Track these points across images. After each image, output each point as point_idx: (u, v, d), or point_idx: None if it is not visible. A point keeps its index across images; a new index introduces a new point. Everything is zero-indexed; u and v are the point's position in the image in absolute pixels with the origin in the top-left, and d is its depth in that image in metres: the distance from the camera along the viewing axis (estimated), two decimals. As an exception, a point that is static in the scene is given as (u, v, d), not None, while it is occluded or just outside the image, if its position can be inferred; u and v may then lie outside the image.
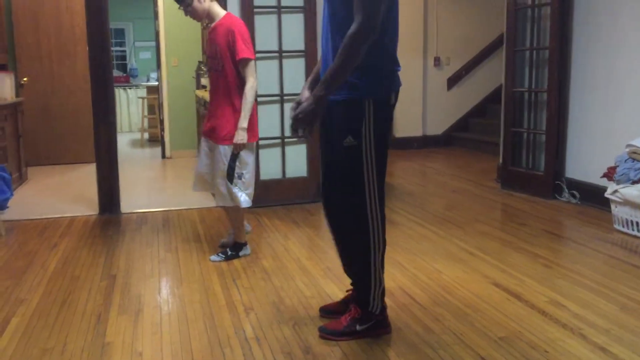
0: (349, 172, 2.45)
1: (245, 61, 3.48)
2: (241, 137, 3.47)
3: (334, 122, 2.47)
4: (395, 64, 2.47)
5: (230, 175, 3.55)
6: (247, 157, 3.60)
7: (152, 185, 6.27)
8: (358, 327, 2.54)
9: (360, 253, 2.49)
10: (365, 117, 2.38)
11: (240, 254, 3.67)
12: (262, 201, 4.91)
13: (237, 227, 3.71)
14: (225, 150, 3.53)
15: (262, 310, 2.85)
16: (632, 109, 4.42)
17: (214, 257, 3.63)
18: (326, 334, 2.55)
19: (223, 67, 3.52)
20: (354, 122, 2.40)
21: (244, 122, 3.47)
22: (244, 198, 3.59)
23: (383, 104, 2.43)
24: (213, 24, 3.58)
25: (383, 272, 2.54)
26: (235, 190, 3.56)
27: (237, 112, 3.51)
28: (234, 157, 3.53)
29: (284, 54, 4.88)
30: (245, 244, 3.71)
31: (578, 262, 3.50)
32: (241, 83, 3.51)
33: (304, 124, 2.32)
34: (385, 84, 2.43)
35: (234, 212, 3.66)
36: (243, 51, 3.45)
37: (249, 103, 3.48)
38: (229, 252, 3.66)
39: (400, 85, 2.53)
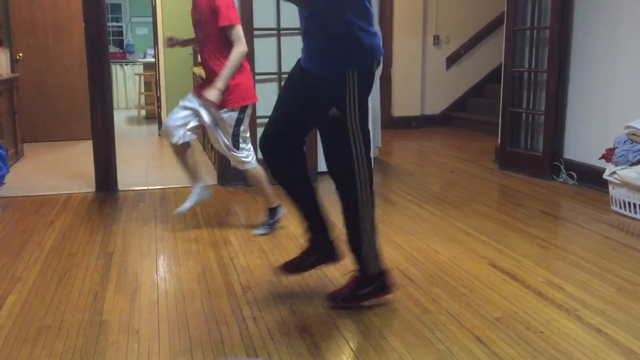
0: (336, 143, 2.50)
1: (230, 27, 3.42)
2: (214, 96, 3.34)
3: (317, 95, 2.50)
4: (369, 33, 2.43)
5: (235, 142, 3.58)
6: (247, 119, 3.62)
7: (149, 162, 6.25)
8: (359, 292, 2.61)
9: (352, 217, 2.56)
10: (348, 89, 2.41)
11: (277, 218, 3.73)
12: (260, 180, 4.89)
13: (263, 191, 3.74)
14: (230, 118, 3.54)
15: (260, 290, 2.86)
16: (631, 90, 4.40)
17: (256, 231, 3.68)
18: (335, 302, 2.62)
19: (208, 34, 3.48)
20: (338, 94, 2.43)
21: (220, 84, 3.36)
22: (251, 158, 3.65)
23: (366, 74, 2.46)
24: None
25: (375, 235, 2.60)
26: (242, 154, 3.61)
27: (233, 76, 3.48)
28: (239, 121, 3.55)
29: (282, 32, 4.83)
30: (278, 206, 3.73)
31: (575, 243, 3.51)
32: (229, 48, 3.44)
33: None
34: (365, 53, 2.44)
35: (251, 177, 3.71)
36: (225, 18, 3.39)
37: (229, 68, 3.39)
38: (269, 221, 3.71)
39: (381, 53, 2.54)
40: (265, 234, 3.66)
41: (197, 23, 3.56)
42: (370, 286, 2.62)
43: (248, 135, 3.69)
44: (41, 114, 7.20)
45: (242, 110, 3.57)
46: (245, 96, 3.56)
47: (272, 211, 3.73)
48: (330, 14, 2.37)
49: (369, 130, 2.55)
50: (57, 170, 5.67)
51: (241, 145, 3.61)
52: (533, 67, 5.22)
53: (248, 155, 3.66)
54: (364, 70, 2.44)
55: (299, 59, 2.61)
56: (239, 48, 3.41)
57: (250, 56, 4.78)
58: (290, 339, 2.37)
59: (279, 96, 2.75)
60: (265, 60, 4.83)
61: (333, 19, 2.37)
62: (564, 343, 2.31)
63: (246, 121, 3.62)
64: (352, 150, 2.48)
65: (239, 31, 3.43)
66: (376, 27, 2.48)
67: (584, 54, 4.79)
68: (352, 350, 2.30)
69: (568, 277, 2.98)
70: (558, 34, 4.88)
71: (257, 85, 4.80)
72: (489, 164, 5.71)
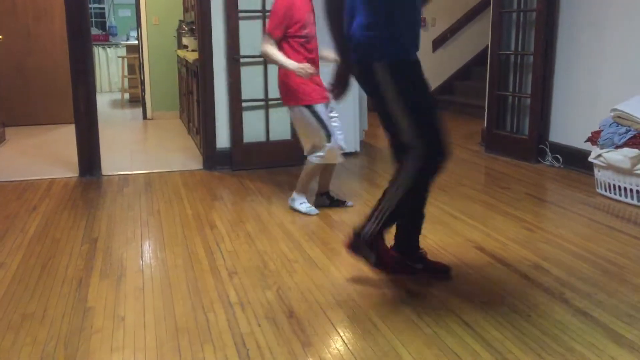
0: None
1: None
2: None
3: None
4: None
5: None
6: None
7: (133, 147, 6.18)
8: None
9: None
10: None
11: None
12: (246, 164, 4.86)
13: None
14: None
15: (246, 275, 2.84)
16: (617, 73, 4.40)
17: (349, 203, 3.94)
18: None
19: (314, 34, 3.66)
20: None
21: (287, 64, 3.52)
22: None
23: None
24: None
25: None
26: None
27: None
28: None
29: (267, 14, 4.76)
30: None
31: (561, 226, 3.52)
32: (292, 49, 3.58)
33: None
34: None
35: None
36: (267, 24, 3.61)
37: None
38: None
39: None
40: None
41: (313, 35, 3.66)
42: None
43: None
44: (22, 97, 7.08)
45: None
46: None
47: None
48: None
49: None
50: (40, 154, 5.59)
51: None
52: (519, 49, 5.21)
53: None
54: None
55: (411, 54, 2.55)
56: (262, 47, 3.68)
57: (235, 39, 4.73)
58: (277, 325, 2.35)
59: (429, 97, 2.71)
60: (250, 44, 4.77)
61: None
62: (551, 326, 2.32)
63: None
64: None
65: (265, 37, 3.64)
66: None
67: (571, 37, 4.78)
68: (340, 334, 2.29)
69: (554, 260, 2.99)
70: (545, 16, 4.86)
71: (242, 69, 4.77)
72: (475, 147, 5.71)
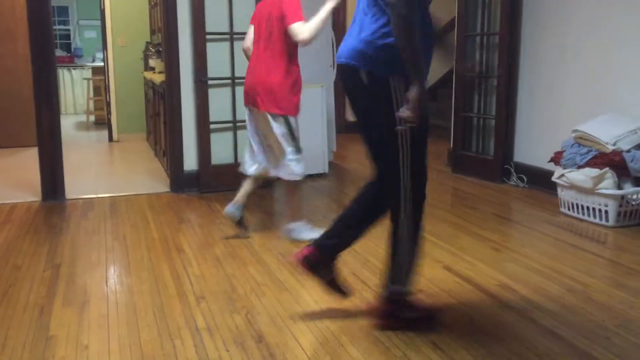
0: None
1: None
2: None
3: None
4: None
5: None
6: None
7: (98, 169, 6.09)
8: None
9: None
10: None
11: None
12: (214, 186, 4.83)
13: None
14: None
15: (214, 299, 2.80)
16: (578, 94, 4.52)
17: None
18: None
19: (271, 35, 3.46)
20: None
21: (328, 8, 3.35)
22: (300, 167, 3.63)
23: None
24: None
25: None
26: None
27: (288, 78, 3.47)
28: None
29: (235, 36, 4.78)
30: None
31: (526, 245, 3.57)
32: (291, 49, 3.46)
33: None
34: None
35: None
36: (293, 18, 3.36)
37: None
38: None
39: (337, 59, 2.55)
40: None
41: (268, 36, 3.49)
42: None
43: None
44: (-16, 120, 6.94)
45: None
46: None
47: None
48: None
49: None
50: (1, 178, 5.46)
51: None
52: (483, 72, 5.31)
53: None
54: None
55: None
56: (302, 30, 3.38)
57: (202, 61, 4.72)
58: (246, 350, 2.32)
59: None
60: (218, 65, 4.77)
61: None
62: (519, 346, 2.34)
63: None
64: None
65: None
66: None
67: (533, 59, 4.90)
68: (309, 359, 2.27)
69: (521, 279, 3.03)
70: (507, 40, 4.97)
71: (210, 90, 4.76)
72: (442, 167, 5.78)
